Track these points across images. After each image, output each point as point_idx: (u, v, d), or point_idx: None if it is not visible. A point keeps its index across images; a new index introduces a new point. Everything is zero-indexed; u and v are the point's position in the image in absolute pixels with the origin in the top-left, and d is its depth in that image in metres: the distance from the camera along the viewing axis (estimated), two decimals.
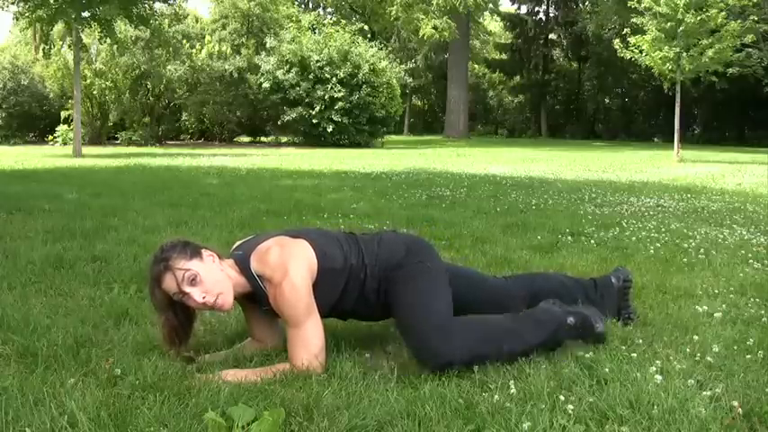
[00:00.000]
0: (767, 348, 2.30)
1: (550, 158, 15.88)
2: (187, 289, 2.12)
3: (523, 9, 39.96)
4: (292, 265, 2.14)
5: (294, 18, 27.23)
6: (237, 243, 2.37)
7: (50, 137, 22.38)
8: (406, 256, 2.31)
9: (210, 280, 2.13)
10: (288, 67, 22.45)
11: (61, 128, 21.67)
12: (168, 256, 2.13)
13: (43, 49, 22.61)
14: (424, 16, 26.81)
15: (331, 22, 26.15)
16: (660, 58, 15.19)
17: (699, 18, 14.41)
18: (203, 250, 2.20)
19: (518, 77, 41.49)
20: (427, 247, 2.42)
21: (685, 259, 3.88)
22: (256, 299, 2.26)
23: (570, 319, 2.30)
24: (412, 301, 2.21)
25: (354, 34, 24.20)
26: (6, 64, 24.18)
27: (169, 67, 23.18)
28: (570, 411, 1.79)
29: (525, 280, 2.69)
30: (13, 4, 15.53)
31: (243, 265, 2.22)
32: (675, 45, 14.99)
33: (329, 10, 38.11)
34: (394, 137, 29.74)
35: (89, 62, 22.35)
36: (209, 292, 2.13)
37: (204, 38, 25.26)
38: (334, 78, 21.83)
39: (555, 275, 2.89)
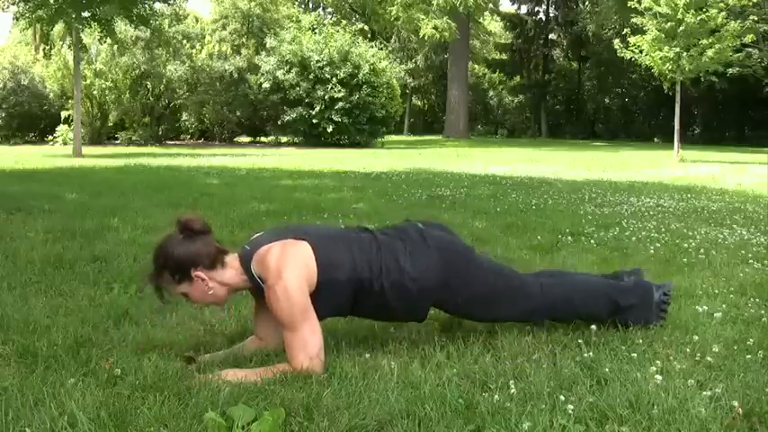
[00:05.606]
0: (767, 348, 2.30)
1: (550, 158, 15.87)
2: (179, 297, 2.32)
3: (523, 9, 39.97)
4: (287, 269, 2.12)
5: (294, 18, 27.22)
6: (254, 236, 2.36)
7: (50, 137, 22.37)
8: (446, 281, 2.28)
9: (199, 298, 2.28)
10: (288, 67, 22.43)
11: (61, 128, 21.67)
12: (159, 279, 2.24)
13: (43, 49, 22.62)
14: (424, 16, 26.78)
15: (331, 22, 26.15)
16: (660, 58, 15.20)
17: (699, 18, 14.42)
18: (193, 271, 2.19)
19: (518, 77, 41.43)
20: (463, 260, 2.37)
21: (685, 259, 3.88)
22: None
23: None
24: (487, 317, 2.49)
25: (354, 34, 24.18)
26: (6, 64, 24.15)
27: (169, 67, 23.17)
28: (570, 411, 1.79)
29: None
30: (13, 4, 15.53)
31: (245, 265, 2.23)
32: (675, 45, 14.99)
33: (329, 10, 38.11)
34: (394, 137, 29.70)
35: (89, 62, 22.33)
36: (199, 304, 2.35)
37: (204, 38, 25.24)
38: (334, 78, 21.81)
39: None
